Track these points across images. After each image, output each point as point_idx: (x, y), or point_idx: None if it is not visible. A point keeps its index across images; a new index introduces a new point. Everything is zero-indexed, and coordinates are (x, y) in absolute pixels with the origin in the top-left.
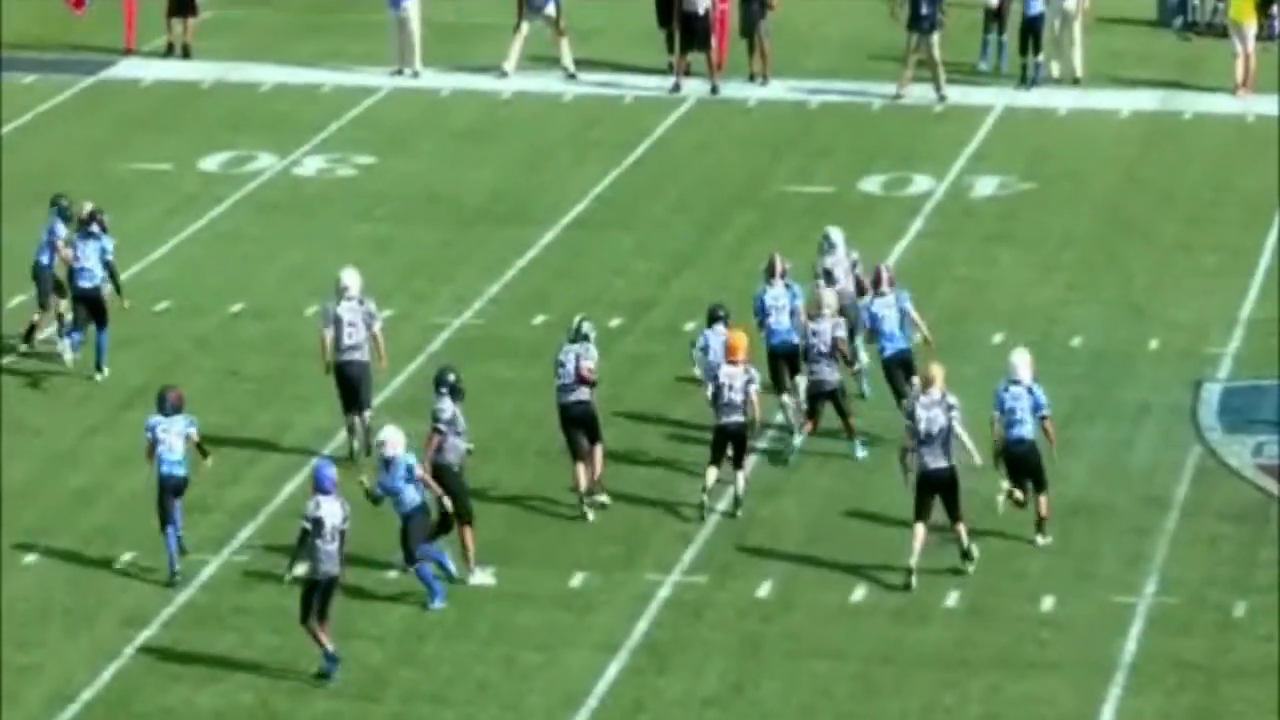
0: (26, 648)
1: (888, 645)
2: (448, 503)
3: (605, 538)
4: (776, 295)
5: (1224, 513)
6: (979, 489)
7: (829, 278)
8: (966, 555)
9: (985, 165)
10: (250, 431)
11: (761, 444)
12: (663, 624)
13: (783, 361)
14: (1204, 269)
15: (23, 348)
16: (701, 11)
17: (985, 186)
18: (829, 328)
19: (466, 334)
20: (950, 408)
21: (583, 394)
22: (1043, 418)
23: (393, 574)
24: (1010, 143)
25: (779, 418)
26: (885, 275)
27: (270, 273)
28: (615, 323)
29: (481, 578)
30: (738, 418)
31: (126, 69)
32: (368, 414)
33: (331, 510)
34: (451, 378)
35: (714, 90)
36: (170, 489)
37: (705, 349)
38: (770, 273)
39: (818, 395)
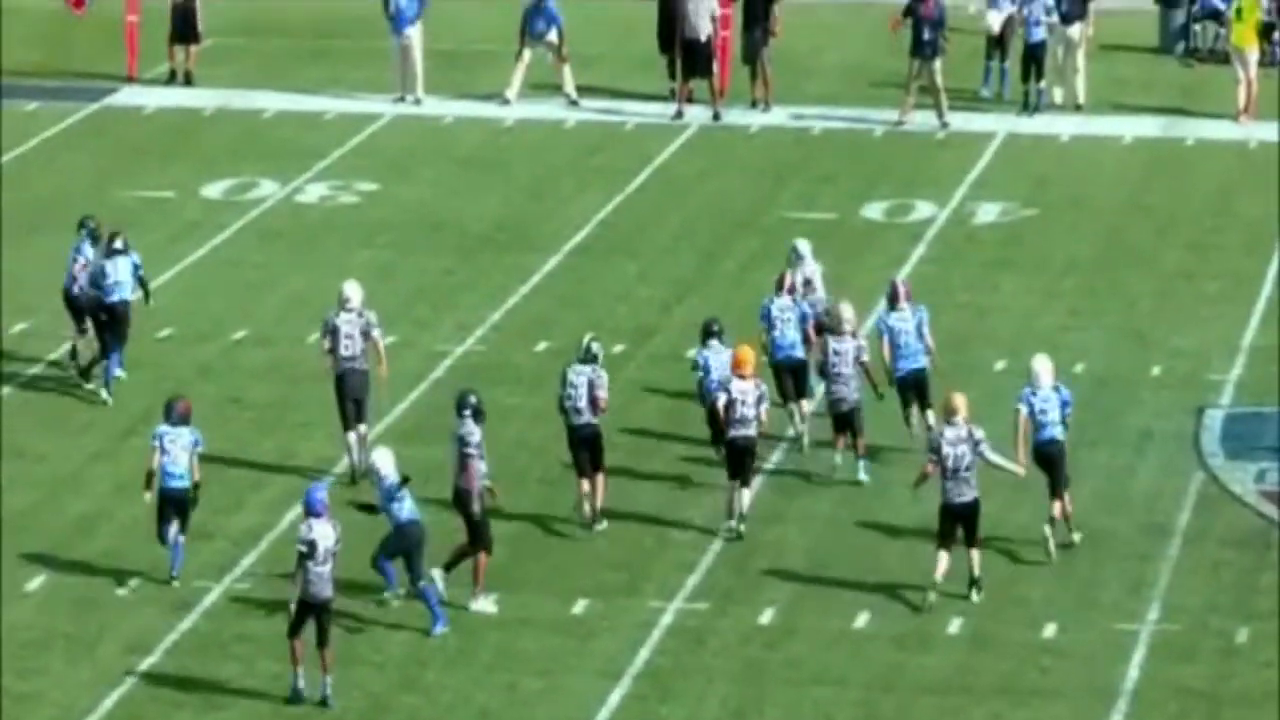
0: (28, 675)
1: (890, 672)
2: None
3: (607, 564)
4: (783, 307)
5: (1226, 539)
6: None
7: (809, 288)
8: (975, 584)
9: (987, 192)
10: (252, 458)
11: (769, 464)
12: (665, 651)
13: (787, 374)
14: (1206, 296)
15: (82, 380)
16: (703, 38)
17: (987, 213)
18: (852, 347)
19: (469, 361)
20: (977, 443)
21: (590, 416)
22: (1066, 417)
23: (395, 600)
24: (1012, 169)
25: (789, 431)
26: (903, 290)
27: (272, 300)
28: (618, 349)
29: (483, 605)
30: (749, 432)
31: (129, 96)
32: (363, 428)
33: (324, 533)
34: (474, 400)
35: (716, 117)
36: (171, 502)
37: (705, 370)
38: (779, 286)
39: (837, 414)
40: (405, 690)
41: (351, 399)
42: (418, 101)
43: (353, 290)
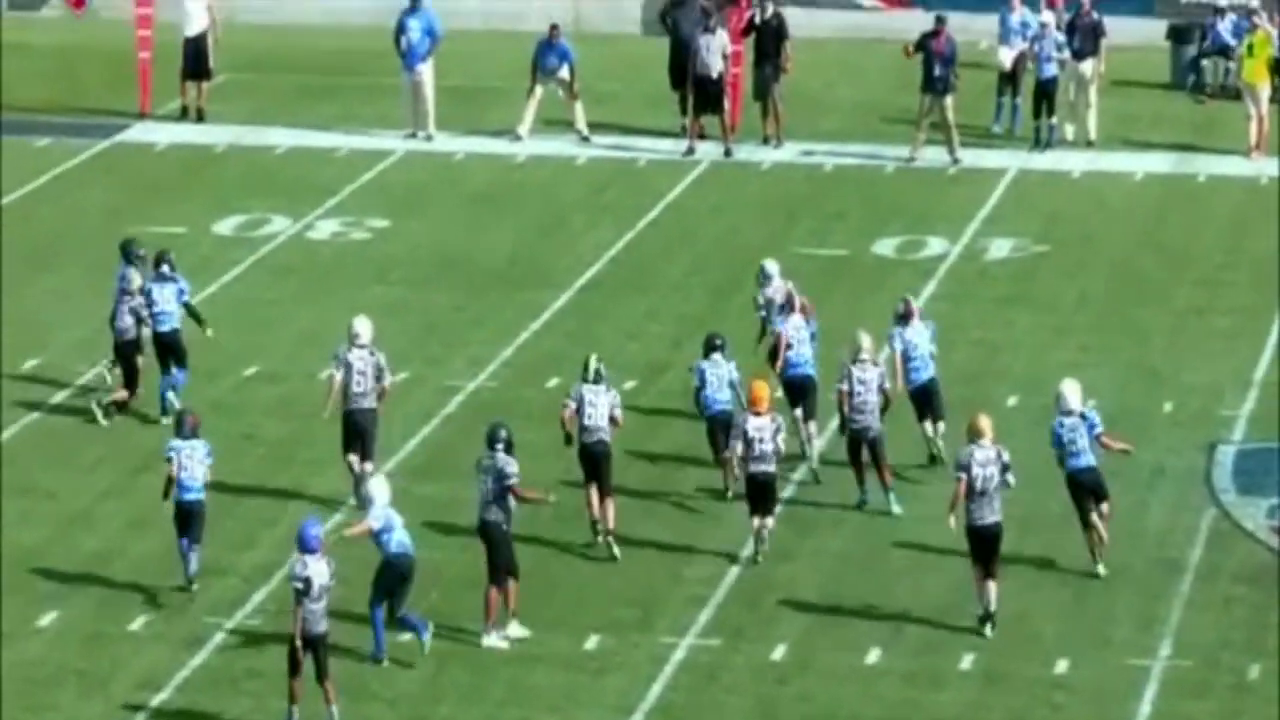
0: (40, 711)
1: (903, 708)
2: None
3: (620, 600)
4: (797, 326)
5: (1238, 575)
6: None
7: (771, 306)
8: (989, 619)
9: (999, 228)
10: (264, 495)
11: (782, 495)
12: (678, 687)
13: (798, 394)
14: (1218, 331)
15: (102, 412)
16: (715, 75)
17: (999, 249)
18: (874, 375)
19: (481, 397)
20: (1006, 467)
21: (606, 435)
22: (1098, 435)
23: (406, 635)
24: (1024, 205)
25: (806, 453)
26: (914, 307)
27: (284, 336)
28: (629, 385)
29: (495, 640)
30: (768, 468)
31: (141, 133)
32: (369, 465)
33: (319, 569)
34: (504, 433)
35: (728, 153)
36: (189, 514)
37: (702, 382)
38: (790, 306)
39: (860, 442)
40: None
41: (359, 437)
42: (429, 138)
43: (362, 326)
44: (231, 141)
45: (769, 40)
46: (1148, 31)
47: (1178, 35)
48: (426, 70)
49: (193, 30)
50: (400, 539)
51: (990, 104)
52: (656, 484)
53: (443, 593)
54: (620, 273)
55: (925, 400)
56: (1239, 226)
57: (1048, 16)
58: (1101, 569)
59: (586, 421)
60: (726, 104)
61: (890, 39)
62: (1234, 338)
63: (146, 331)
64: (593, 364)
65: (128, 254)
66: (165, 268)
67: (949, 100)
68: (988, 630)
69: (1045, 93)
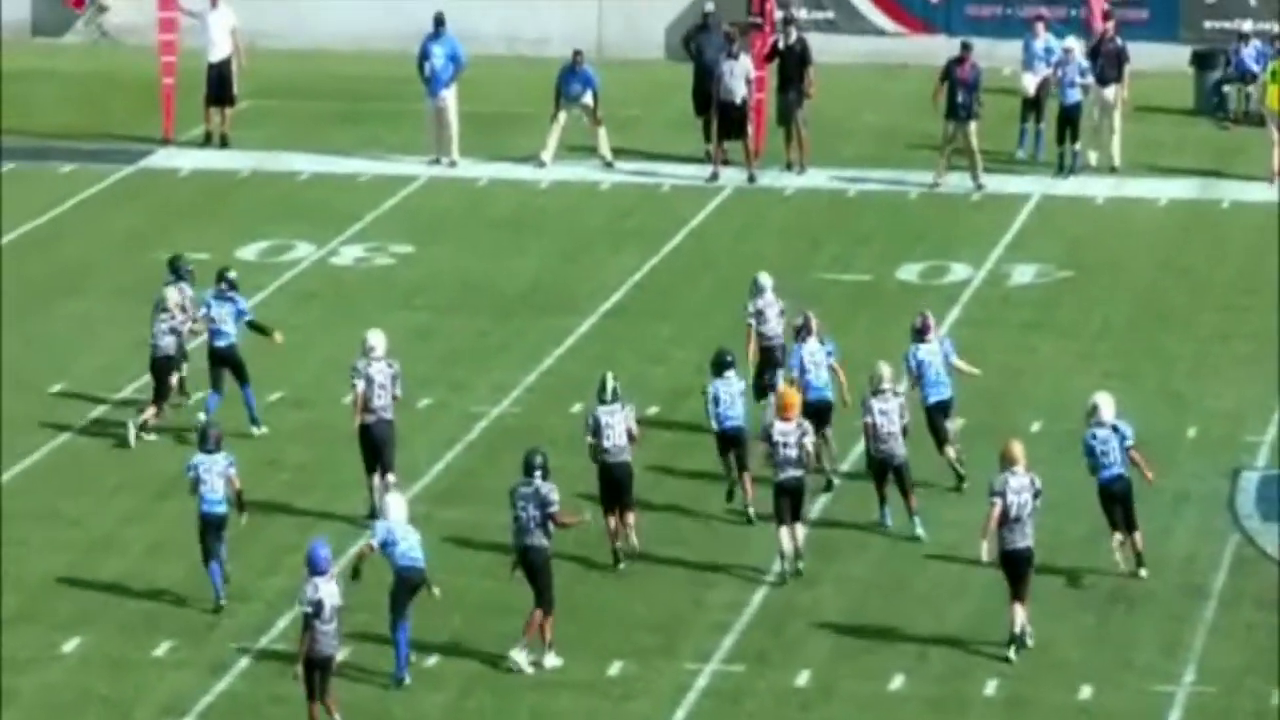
0: None
1: None
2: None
3: (643, 626)
4: (813, 351)
5: (1262, 601)
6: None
7: (760, 318)
8: (1016, 641)
9: (1023, 254)
10: (289, 520)
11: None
12: (701, 713)
13: (814, 418)
14: (1241, 357)
15: (139, 430)
16: (739, 100)
17: (1023, 275)
18: (895, 405)
19: (504, 423)
20: (1038, 493)
21: (627, 454)
22: (1129, 449)
23: (432, 659)
24: (1048, 231)
25: (825, 469)
26: (930, 323)
27: (308, 362)
28: (652, 411)
29: (521, 657)
30: (795, 472)
31: (164, 158)
32: (390, 477)
33: (329, 591)
34: (541, 460)
35: (751, 179)
36: (213, 526)
37: (716, 401)
38: (807, 330)
39: (885, 469)
40: None
41: (377, 450)
42: (453, 164)
43: (376, 338)
44: (255, 167)
45: (793, 66)
46: (1171, 57)
47: (1201, 61)
48: (450, 96)
49: (217, 56)
50: (406, 551)
51: (1014, 130)
52: (679, 509)
53: (465, 618)
54: (644, 298)
55: (936, 419)
56: (1262, 252)
57: (1071, 42)
58: (1144, 572)
59: (605, 443)
60: (750, 129)
61: (914, 64)
62: (1257, 363)
63: (168, 341)
64: (609, 383)
65: (176, 270)
66: (225, 286)
67: (973, 126)
68: (1012, 653)
69: (1069, 118)
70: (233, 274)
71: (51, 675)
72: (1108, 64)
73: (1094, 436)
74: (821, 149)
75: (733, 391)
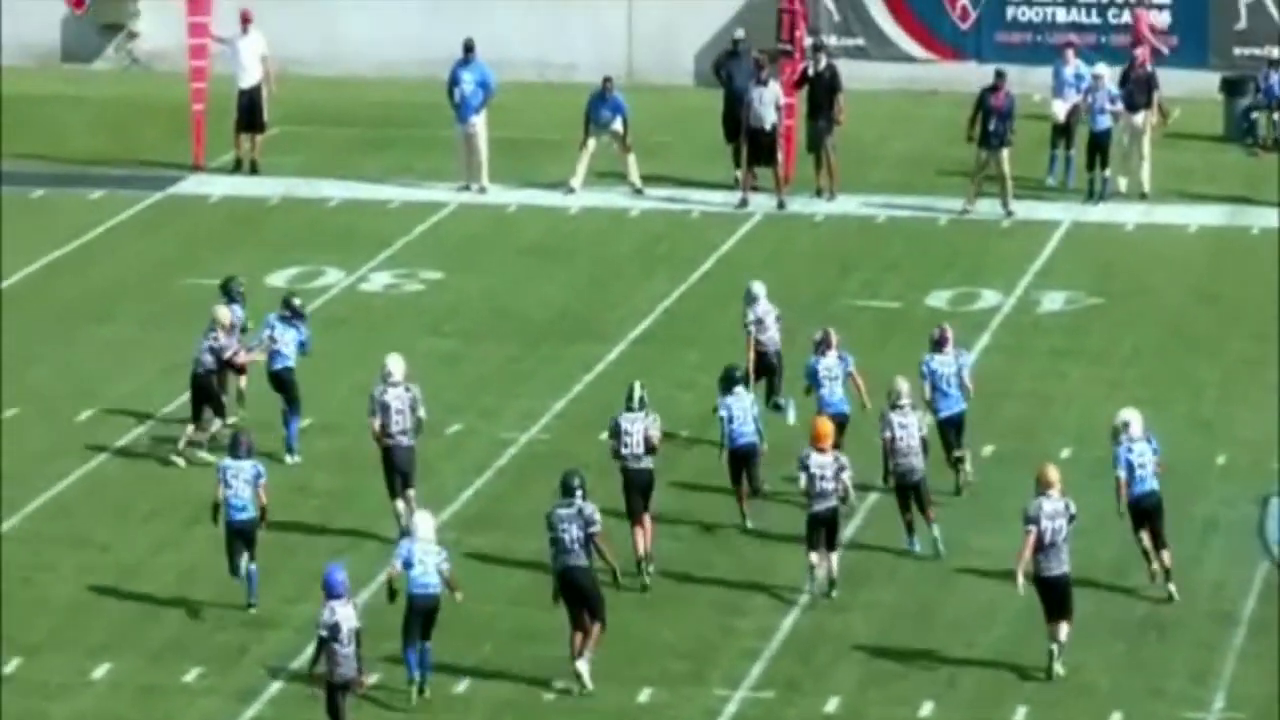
0: None
1: None
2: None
3: (673, 653)
4: (830, 365)
5: None
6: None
7: (760, 326)
8: (1058, 650)
9: (1052, 280)
10: (318, 547)
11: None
12: None
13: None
14: (1270, 384)
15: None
16: (768, 127)
17: (1052, 301)
18: (915, 420)
19: (534, 449)
20: (1073, 518)
21: (648, 461)
22: (1157, 461)
23: (462, 685)
24: (1077, 258)
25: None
26: (947, 335)
27: (338, 388)
28: (683, 435)
29: (584, 666)
30: (830, 504)
31: (194, 185)
32: (411, 492)
33: (346, 614)
34: (579, 480)
35: (780, 205)
36: (239, 534)
37: (730, 418)
38: (826, 345)
39: (907, 492)
40: None
41: (399, 472)
42: (482, 190)
43: (395, 364)
44: (285, 194)
45: (822, 92)
46: (1201, 84)
47: (1231, 88)
48: (480, 123)
49: (247, 83)
50: (418, 576)
51: (1044, 156)
52: (707, 535)
53: (495, 644)
54: (673, 325)
55: (951, 431)
56: None
57: (1101, 69)
58: (1173, 587)
59: (624, 450)
60: (779, 156)
61: (944, 91)
62: None
63: (210, 359)
64: (636, 391)
65: (229, 292)
66: (290, 311)
67: (1005, 154)
68: (1058, 668)
69: (1099, 145)
70: (298, 300)
71: (82, 702)
72: (1137, 90)
73: (1129, 450)
74: (851, 175)
75: (744, 407)
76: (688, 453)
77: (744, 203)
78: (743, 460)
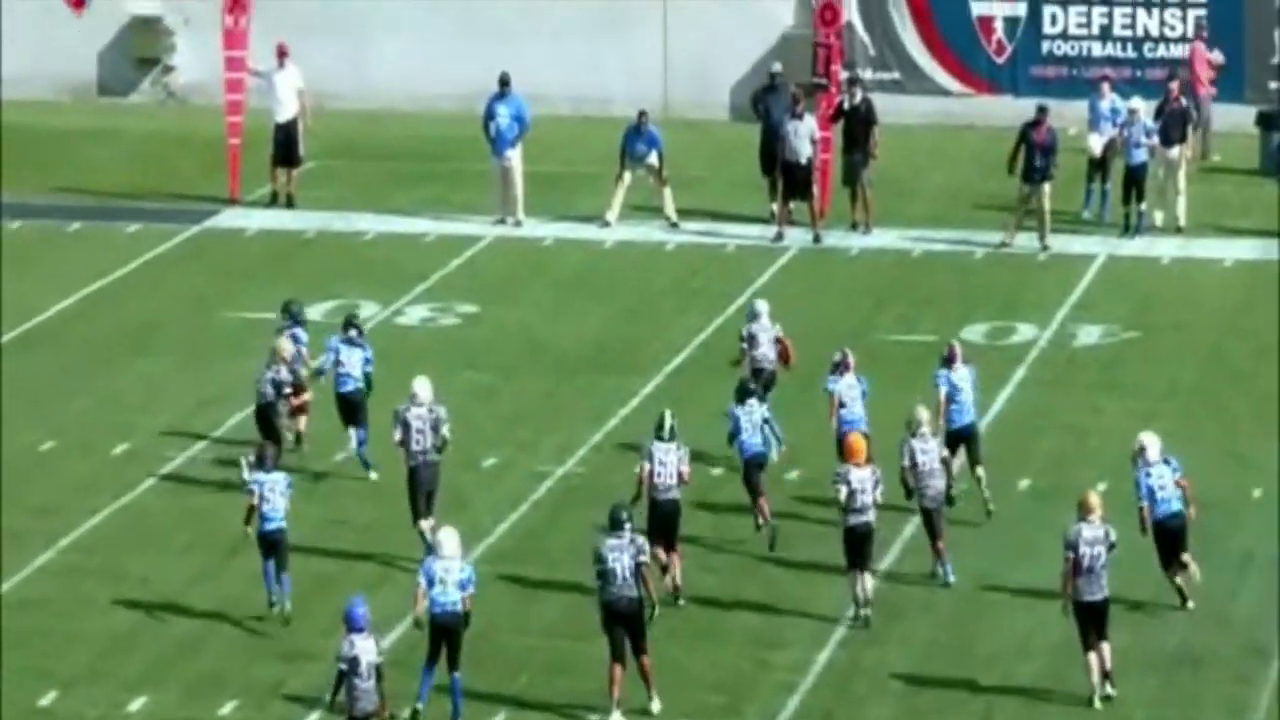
0: None
1: None
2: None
3: (709, 686)
4: (850, 385)
5: None
6: None
7: (752, 342)
8: (1107, 677)
9: (1089, 314)
10: (354, 580)
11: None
12: None
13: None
14: None
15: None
16: (804, 160)
17: (1088, 335)
18: (935, 445)
19: (569, 483)
20: (1113, 545)
21: (677, 492)
22: (1178, 481)
23: (499, 716)
24: (1114, 291)
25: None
26: (956, 352)
27: (374, 422)
28: (717, 472)
29: (655, 707)
30: (868, 518)
31: (230, 218)
32: (432, 520)
33: (366, 647)
34: (627, 514)
35: (816, 239)
36: (273, 546)
37: (737, 429)
38: (845, 366)
39: (928, 510)
40: None
41: (424, 491)
42: (518, 223)
43: (421, 387)
44: (321, 227)
45: (858, 126)
46: (1237, 117)
47: (1267, 121)
48: (515, 156)
49: (283, 117)
50: (438, 595)
51: (1080, 190)
52: (742, 568)
53: (531, 677)
54: (709, 358)
55: (964, 443)
56: None
57: (1137, 103)
58: (1191, 605)
59: (657, 480)
60: (815, 190)
61: (980, 125)
62: None
63: (270, 390)
64: (667, 420)
65: (291, 314)
66: (354, 333)
67: (1046, 188)
68: (1109, 689)
69: (1135, 179)
70: (360, 320)
71: None
72: (1172, 124)
73: (1148, 475)
74: (886, 209)
75: (754, 419)
76: (723, 485)
77: (779, 236)
78: (754, 469)
